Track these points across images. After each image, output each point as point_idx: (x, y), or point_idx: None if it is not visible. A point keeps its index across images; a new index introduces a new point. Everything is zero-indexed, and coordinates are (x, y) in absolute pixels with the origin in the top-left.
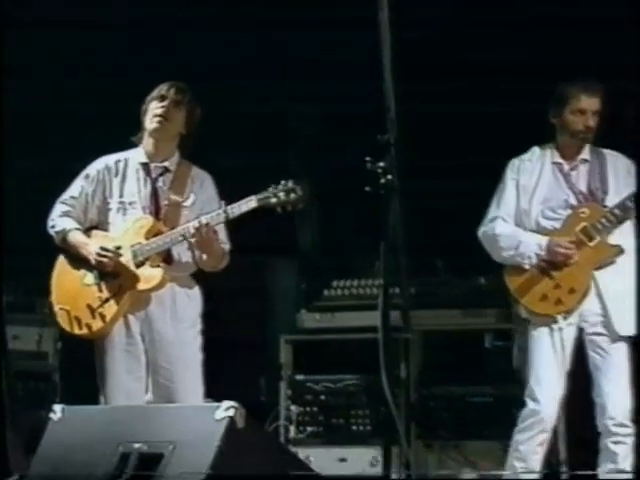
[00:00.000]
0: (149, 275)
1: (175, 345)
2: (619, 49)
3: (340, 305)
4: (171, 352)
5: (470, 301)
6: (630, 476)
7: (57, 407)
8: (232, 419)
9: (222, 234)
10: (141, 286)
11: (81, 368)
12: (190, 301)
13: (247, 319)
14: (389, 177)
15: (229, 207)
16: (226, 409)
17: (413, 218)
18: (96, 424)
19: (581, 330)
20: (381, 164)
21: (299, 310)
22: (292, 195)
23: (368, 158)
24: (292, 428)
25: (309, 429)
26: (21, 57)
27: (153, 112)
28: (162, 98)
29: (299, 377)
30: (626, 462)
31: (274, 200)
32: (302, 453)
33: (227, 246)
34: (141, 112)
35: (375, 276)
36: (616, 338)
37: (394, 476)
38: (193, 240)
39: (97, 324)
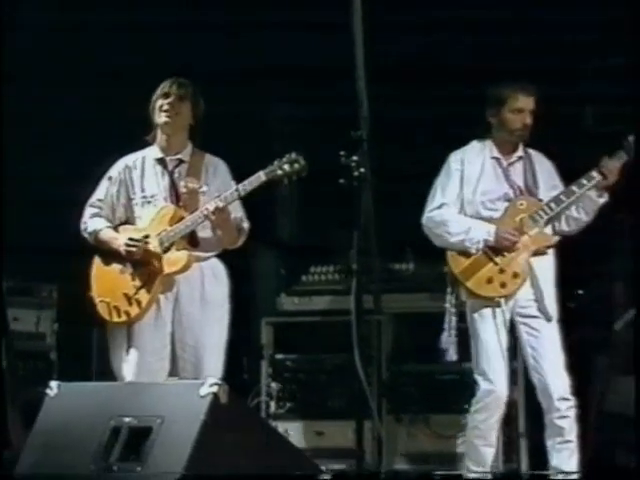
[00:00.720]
0: (175, 258)
1: (202, 325)
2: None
3: (317, 289)
4: (198, 331)
5: (436, 286)
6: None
7: (53, 384)
8: (216, 395)
9: (240, 212)
10: (168, 269)
11: (76, 348)
12: (217, 282)
13: (232, 303)
14: (362, 170)
15: (240, 185)
16: (210, 386)
17: (384, 209)
18: (89, 400)
19: (513, 312)
20: (354, 158)
21: (279, 294)
22: (296, 165)
23: (342, 153)
24: (272, 404)
25: (288, 405)
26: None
27: (160, 109)
28: (166, 95)
29: (279, 356)
30: (572, 434)
31: (280, 172)
32: (281, 427)
33: (246, 224)
34: (149, 111)
35: (349, 262)
36: (549, 319)
37: (366, 448)
38: (212, 220)
39: (134, 310)
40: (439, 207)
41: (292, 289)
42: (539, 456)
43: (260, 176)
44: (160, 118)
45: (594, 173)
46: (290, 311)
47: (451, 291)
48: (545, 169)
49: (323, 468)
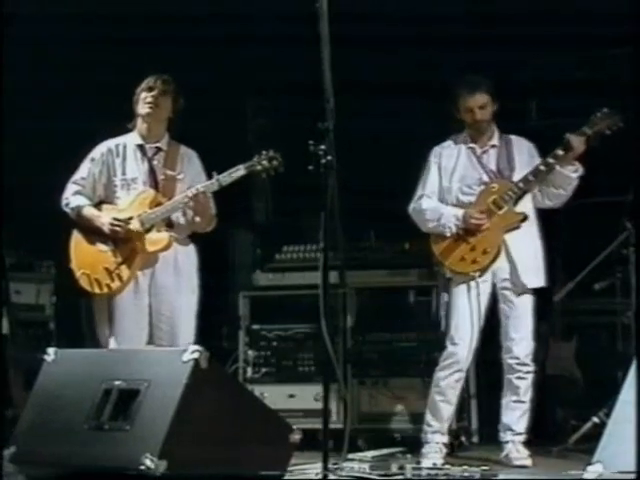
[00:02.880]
0: (157, 238)
1: (175, 296)
2: None
3: (289, 266)
4: (172, 301)
5: (396, 263)
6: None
7: (51, 350)
8: (197, 361)
9: (210, 201)
10: (152, 248)
11: (72, 318)
12: (188, 258)
13: (212, 279)
14: (329, 158)
15: (221, 176)
16: (192, 352)
17: (348, 192)
18: (83, 365)
19: (494, 286)
20: (322, 147)
21: (255, 271)
22: (274, 162)
23: (311, 142)
24: (249, 369)
25: (263, 370)
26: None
27: (144, 100)
28: (151, 89)
29: (255, 326)
30: (526, 396)
31: (259, 167)
32: (257, 390)
33: (214, 211)
34: (133, 102)
35: (318, 242)
36: (523, 291)
37: (333, 409)
38: (191, 205)
39: (116, 284)
40: (419, 198)
41: (267, 266)
42: (486, 415)
43: (240, 169)
44: (143, 109)
45: (558, 151)
46: (265, 286)
47: (438, 271)
48: (524, 151)
49: (294, 427)
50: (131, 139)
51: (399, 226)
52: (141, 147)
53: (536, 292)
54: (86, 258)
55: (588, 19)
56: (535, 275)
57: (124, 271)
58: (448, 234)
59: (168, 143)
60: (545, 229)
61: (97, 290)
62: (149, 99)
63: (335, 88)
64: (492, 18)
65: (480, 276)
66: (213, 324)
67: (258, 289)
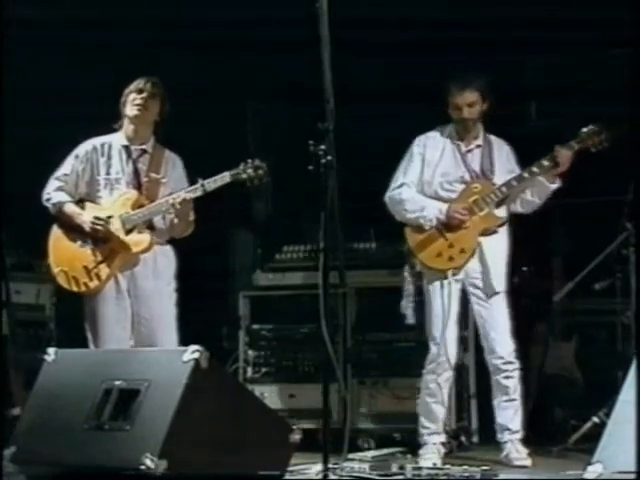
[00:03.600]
0: (138, 240)
1: (155, 299)
2: None
3: (289, 266)
4: (151, 305)
5: (396, 263)
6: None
7: (51, 350)
8: (197, 361)
9: (191, 207)
10: (133, 249)
11: (72, 318)
12: (168, 262)
13: (213, 279)
14: (329, 158)
15: (206, 182)
16: (192, 352)
17: (349, 193)
18: (84, 365)
19: (464, 285)
20: (322, 147)
21: (255, 271)
22: (259, 171)
23: (311, 142)
24: (249, 369)
25: (263, 370)
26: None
27: (133, 102)
28: (140, 91)
29: (255, 326)
30: (516, 393)
31: (244, 176)
32: (257, 390)
33: (192, 217)
34: (121, 103)
35: (317, 242)
36: (493, 293)
37: (333, 408)
38: (173, 210)
39: (94, 283)
40: (399, 187)
41: (267, 266)
42: (487, 415)
43: (226, 176)
44: (132, 111)
45: (544, 161)
46: (265, 286)
47: (408, 262)
48: (503, 155)
49: (294, 427)
50: (117, 139)
51: (399, 226)
52: (127, 148)
53: (533, 293)
54: (65, 255)
55: (588, 21)
56: (503, 279)
57: (103, 270)
58: (427, 227)
59: (153, 146)
60: (545, 229)
61: (75, 288)
62: (138, 101)
63: (335, 89)
64: (492, 22)
65: (454, 274)
66: (213, 324)
67: (258, 289)
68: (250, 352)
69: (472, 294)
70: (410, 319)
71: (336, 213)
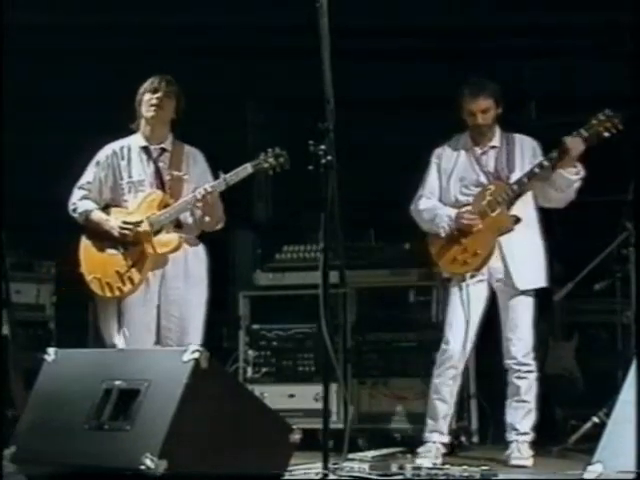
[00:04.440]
0: (167, 240)
1: (185, 299)
2: None
3: (289, 266)
4: (182, 304)
5: (396, 263)
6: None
7: (51, 350)
8: (197, 361)
9: (218, 200)
10: (161, 250)
11: (72, 318)
12: (198, 260)
13: (212, 279)
14: (329, 158)
15: (227, 175)
16: (192, 352)
17: (349, 193)
18: (84, 365)
19: (491, 286)
20: (322, 147)
21: (255, 270)
22: (281, 159)
23: (311, 142)
24: (249, 369)
25: (263, 370)
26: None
27: (149, 103)
28: (155, 90)
29: (255, 326)
30: (528, 395)
31: (266, 165)
32: (257, 390)
33: (222, 210)
34: (136, 102)
35: (318, 242)
36: (517, 293)
37: (333, 409)
38: (200, 206)
39: (127, 287)
40: (418, 199)
41: (267, 266)
42: (487, 415)
43: (247, 167)
44: (148, 112)
45: (553, 153)
46: (265, 285)
47: (435, 271)
48: (528, 151)
49: (294, 427)
50: (135, 141)
51: (399, 226)
52: (146, 149)
53: (537, 292)
54: (96, 262)
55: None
56: (531, 277)
57: (135, 274)
58: (443, 234)
59: (172, 143)
60: (545, 229)
61: (109, 294)
62: (154, 101)
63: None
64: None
65: (472, 277)
66: (213, 324)
67: (258, 289)
68: (250, 352)
69: (497, 294)
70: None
71: (336, 213)
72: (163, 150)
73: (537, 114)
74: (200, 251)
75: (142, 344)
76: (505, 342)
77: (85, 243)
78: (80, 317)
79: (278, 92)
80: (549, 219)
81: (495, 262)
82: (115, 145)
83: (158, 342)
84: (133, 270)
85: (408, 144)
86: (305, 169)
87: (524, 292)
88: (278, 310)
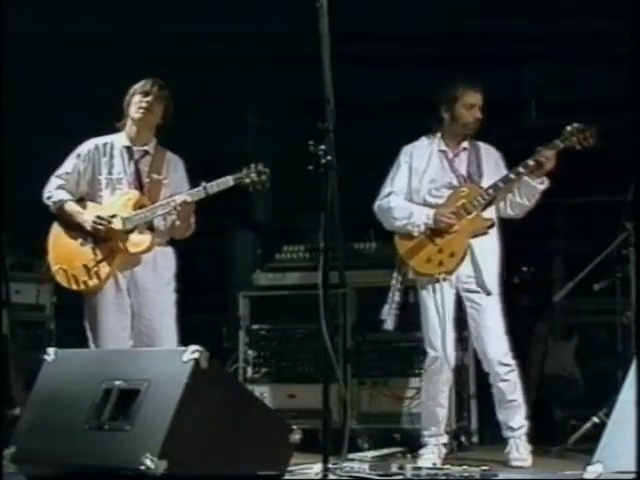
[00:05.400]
0: (139, 240)
1: (155, 299)
2: None
3: (289, 266)
4: (152, 305)
5: (395, 258)
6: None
7: (51, 350)
8: (197, 361)
9: (192, 209)
10: (133, 249)
11: (72, 318)
12: (168, 263)
13: (213, 279)
14: (328, 158)
15: (209, 185)
16: (192, 352)
17: (348, 192)
18: (83, 364)
19: (457, 289)
20: (322, 147)
21: (255, 271)
22: (262, 176)
23: (311, 142)
24: (249, 369)
25: (263, 370)
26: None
27: (138, 105)
28: (146, 93)
29: (255, 326)
30: (514, 394)
31: (247, 180)
32: (257, 390)
33: (193, 219)
34: (125, 102)
35: (317, 242)
36: (487, 294)
37: (333, 408)
38: (177, 211)
39: (93, 281)
40: (387, 195)
41: (267, 266)
42: (487, 415)
43: (228, 180)
44: (136, 113)
45: (530, 161)
46: (265, 286)
47: (398, 269)
48: (491, 159)
49: (294, 427)
50: (119, 139)
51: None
52: (128, 149)
53: (533, 293)
54: (64, 253)
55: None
56: (495, 281)
57: (102, 269)
58: (416, 233)
59: (155, 147)
60: (544, 229)
61: (74, 286)
62: (144, 104)
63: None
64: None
65: (444, 279)
66: (213, 324)
67: (258, 289)
68: (250, 352)
69: (465, 297)
70: (389, 325)
71: (336, 213)
72: (145, 152)
73: (537, 114)
74: (168, 252)
75: (120, 341)
76: (479, 344)
77: (55, 233)
78: (80, 317)
79: (278, 93)
80: (554, 219)
81: (464, 266)
82: (98, 140)
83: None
84: (101, 265)
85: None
86: (305, 169)
87: (491, 295)
88: (278, 310)
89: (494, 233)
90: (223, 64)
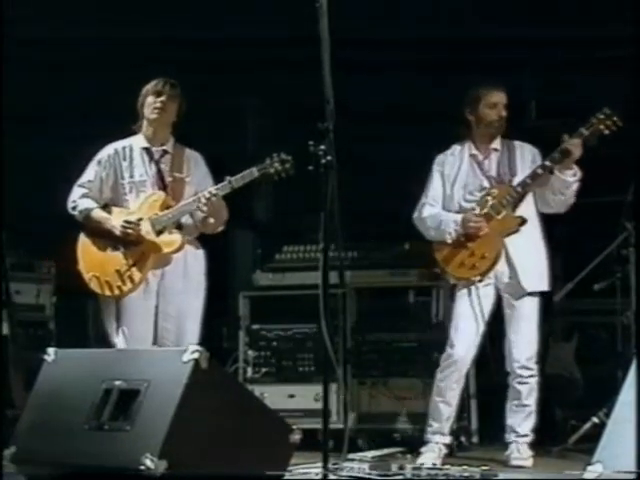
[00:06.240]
0: (170, 240)
1: (183, 298)
2: None
3: (289, 266)
4: (179, 302)
5: (396, 263)
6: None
7: (51, 350)
8: (197, 361)
9: (223, 203)
10: (165, 250)
11: (72, 318)
12: (197, 261)
13: (212, 279)
14: (328, 158)
15: (233, 178)
16: (192, 352)
17: (349, 192)
18: (83, 365)
19: (497, 289)
20: (322, 147)
21: (255, 271)
22: (286, 165)
23: (311, 142)
24: (249, 369)
25: (263, 370)
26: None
27: (152, 105)
28: (159, 93)
29: (255, 326)
30: (529, 399)
31: (272, 170)
32: (257, 390)
33: (226, 212)
34: (138, 104)
35: (317, 242)
36: (523, 294)
37: (333, 408)
38: (205, 208)
39: (127, 286)
40: (422, 207)
41: (267, 266)
42: (486, 415)
43: (253, 172)
44: (152, 114)
45: (555, 154)
46: (265, 286)
47: (441, 277)
48: (527, 157)
49: (294, 427)
50: (137, 142)
51: (399, 226)
52: (147, 150)
53: (541, 295)
54: (95, 261)
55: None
56: (536, 279)
57: (135, 273)
58: (449, 240)
59: (174, 146)
60: (544, 229)
61: (108, 292)
62: (158, 104)
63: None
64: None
65: (480, 281)
66: (213, 324)
67: (258, 289)
68: (250, 352)
69: (503, 297)
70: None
71: (336, 213)
72: (165, 152)
73: (537, 114)
74: (199, 254)
75: (142, 342)
76: (508, 344)
77: (84, 241)
78: (80, 317)
79: (278, 95)
80: (555, 219)
81: (500, 265)
82: (117, 145)
83: (155, 342)
84: (134, 269)
85: (409, 153)
86: (305, 169)
87: (530, 294)
88: (278, 310)
89: (533, 230)
90: (224, 67)
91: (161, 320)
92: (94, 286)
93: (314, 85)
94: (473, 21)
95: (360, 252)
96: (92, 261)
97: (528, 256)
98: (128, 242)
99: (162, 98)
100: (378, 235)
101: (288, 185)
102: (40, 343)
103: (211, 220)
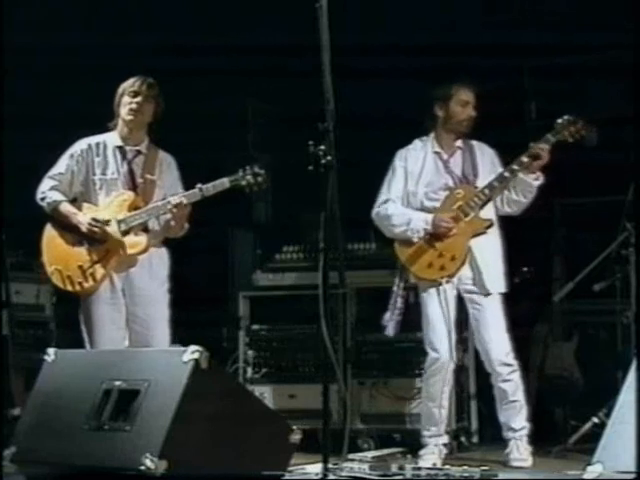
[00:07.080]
0: (135, 242)
1: (150, 299)
2: None
3: (289, 267)
4: (147, 304)
5: (395, 264)
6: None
7: (51, 350)
8: (197, 361)
9: (188, 210)
10: (130, 251)
11: (72, 318)
12: (162, 263)
13: (213, 279)
14: (328, 158)
15: (204, 186)
16: (192, 352)
17: (349, 193)
18: (83, 365)
19: (458, 290)
20: (321, 147)
21: (255, 271)
22: (259, 178)
23: (311, 142)
24: (249, 369)
25: (263, 370)
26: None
27: (128, 106)
28: (135, 94)
29: (255, 327)
30: (516, 395)
31: (243, 182)
32: (257, 390)
33: (187, 220)
34: (115, 103)
35: (317, 242)
36: (487, 294)
37: (333, 408)
38: (173, 213)
39: (88, 283)
40: (384, 202)
41: (267, 266)
42: (487, 415)
43: (224, 182)
44: (127, 116)
45: (523, 158)
46: (265, 286)
47: (399, 276)
48: (487, 158)
49: (294, 427)
50: (111, 139)
51: None
52: (121, 149)
53: (533, 294)
54: (59, 254)
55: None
56: (498, 280)
57: (98, 271)
58: (416, 239)
59: (148, 147)
60: (544, 229)
61: (69, 288)
62: (133, 105)
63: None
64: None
65: (447, 282)
66: (213, 324)
67: (258, 289)
68: (250, 352)
69: (466, 298)
70: (390, 332)
71: (336, 213)
72: (138, 152)
73: (537, 114)
74: (163, 253)
75: (115, 342)
76: (481, 344)
77: (50, 233)
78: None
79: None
80: (555, 220)
81: (463, 267)
82: (91, 140)
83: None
84: (96, 266)
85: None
86: (305, 169)
87: (493, 295)
88: (278, 310)
89: (494, 232)
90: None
91: (130, 322)
92: (55, 280)
93: (314, 89)
94: (473, 26)
95: (360, 252)
96: (56, 254)
97: (490, 258)
98: (93, 239)
99: (138, 99)
100: (378, 235)
101: (288, 185)
102: (40, 343)
103: (172, 223)
